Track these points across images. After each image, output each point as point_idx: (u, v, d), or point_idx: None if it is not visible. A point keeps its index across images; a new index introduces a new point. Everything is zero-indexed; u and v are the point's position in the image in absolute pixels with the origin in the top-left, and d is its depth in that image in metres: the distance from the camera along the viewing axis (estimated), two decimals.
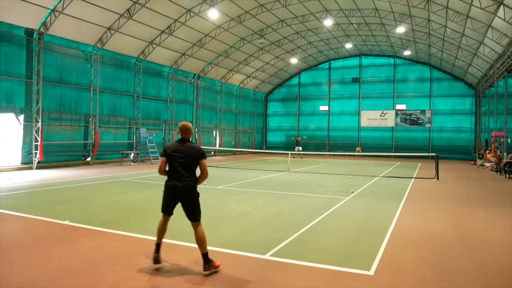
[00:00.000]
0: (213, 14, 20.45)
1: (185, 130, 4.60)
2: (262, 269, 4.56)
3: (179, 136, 4.65)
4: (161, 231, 4.63)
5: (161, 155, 4.62)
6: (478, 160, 24.04)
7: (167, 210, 4.59)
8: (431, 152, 26.05)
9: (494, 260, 5.11)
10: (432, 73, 31.58)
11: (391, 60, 33.09)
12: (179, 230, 6.25)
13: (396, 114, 32.62)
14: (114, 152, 21.13)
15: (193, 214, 4.51)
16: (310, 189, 11.53)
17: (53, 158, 17.61)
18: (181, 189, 4.42)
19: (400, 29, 23.40)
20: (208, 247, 5.29)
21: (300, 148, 29.04)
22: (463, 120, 30.64)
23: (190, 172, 4.50)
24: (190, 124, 4.67)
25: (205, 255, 4.39)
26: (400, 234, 6.27)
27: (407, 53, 29.48)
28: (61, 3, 15.76)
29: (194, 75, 27.79)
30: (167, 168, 4.56)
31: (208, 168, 4.66)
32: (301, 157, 28.39)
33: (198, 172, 4.61)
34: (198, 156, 4.50)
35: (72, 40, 18.38)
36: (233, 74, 30.85)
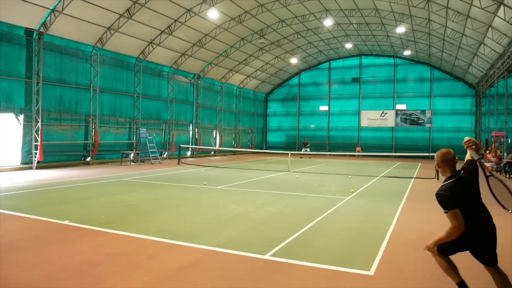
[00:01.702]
0: (213, 14, 20.45)
1: (454, 158, 3.48)
2: (262, 269, 4.56)
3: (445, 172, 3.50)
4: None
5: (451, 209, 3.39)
6: None
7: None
8: (431, 152, 26.04)
9: None
10: (432, 73, 31.58)
11: (391, 60, 33.08)
12: (179, 230, 6.25)
13: (396, 114, 32.61)
14: (114, 152, 21.13)
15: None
16: (310, 189, 11.52)
17: (53, 158, 17.60)
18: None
19: (400, 29, 23.39)
20: (208, 247, 5.30)
21: (308, 150, 29.35)
22: (463, 120, 30.63)
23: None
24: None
25: None
26: (400, 234, 6.27)
27: (407, 53, 29.48)
28: (61, 3, 15.75)
29: (194, 75, 27.78)
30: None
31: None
32: (310, 157, 28.69)
33: None
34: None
35: (72, 40, 18.38)
36: (233, 74, 30.85)
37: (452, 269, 3.61)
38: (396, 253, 5.28)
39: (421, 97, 32.04)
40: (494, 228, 3.51)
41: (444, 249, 3.56)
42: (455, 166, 3.48)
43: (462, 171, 3.46)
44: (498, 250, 5.55)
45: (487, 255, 3.50)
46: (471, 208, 3.37)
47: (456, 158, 3.49)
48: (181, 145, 23.18)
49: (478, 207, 3.43)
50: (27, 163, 16.44)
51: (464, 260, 5.13)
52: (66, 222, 6.65)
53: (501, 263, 5.00)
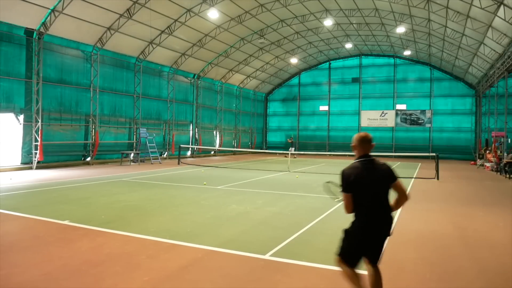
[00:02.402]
0: (213, 14, 20.45)
1: (369, 142, 3.40)
2: (262, 269, 4.56)
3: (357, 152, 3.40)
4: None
5: (343, 191, 3.32)
6: (478, 160, 24.04)
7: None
8: (431, 152, 26.05)
9: (494, 260, 5.11)
10: (432, 73, 31.57)
11: (391, 60, 33.08)
12: (179, 230, 6.25)
13: (396, 114, 32.62)
14: (114, 152, 21.13)
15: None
16: (310, 189, 11.52)
17: (53, 158, 17.60)
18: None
19: (400, 29, 23.39)
20: (208, 247, 5.30)
21: (293, 149, 29.56)
22: (463, 120, 30.63)
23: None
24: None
25: None
26: (400, 234, 6.27)
27: (407, 53, 29.48)
28: (61, 3, 15.75)
29: (194, 75, 27.78)
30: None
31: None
32: (285, 156, 28.54)
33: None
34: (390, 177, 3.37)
35: (72, 40, 18.38)
36: (233, 74, 30.85)
37: (354, 278, 3.36)
38: (396, 253, 5.28)
39: (421, 97, 32.04)
40: (385, 226, 3.32)
41: (344, 254, 3.40)
42: (368, 151, 3.39)
43: (375, 159, 3.38)
44: (497, 250, 5.57)
45: (371, 250, 3.35)
46: (364, 196, 3.25)
47: (373, 143, 3.40)
48: (181, 145, 23.18)
49: (374, 198, 3.27)
50: (27, 163, 16.44)
51: (463, 259, 5.13)
52: (66, 222, 6.65)
53: (501, 263, 5.01)
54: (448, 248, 5.62)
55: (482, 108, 28.44)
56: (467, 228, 6.92)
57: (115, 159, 20.93)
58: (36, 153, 16.37)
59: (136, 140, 22.43)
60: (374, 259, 3.38)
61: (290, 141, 32.02)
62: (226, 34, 24.34)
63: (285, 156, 28.06)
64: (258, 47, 28.02)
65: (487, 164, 20.95)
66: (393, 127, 32.83)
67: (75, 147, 19.15)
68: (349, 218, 3.46)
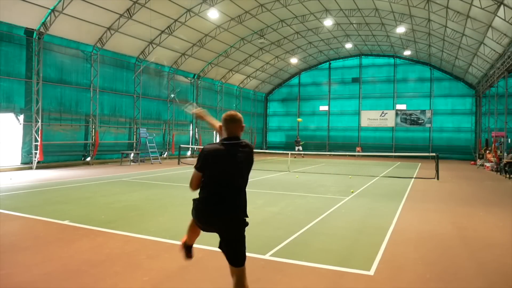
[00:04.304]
0: (213, 14, 20.45)
1: (234, 121, 3.19)
2: (262, 269, 4.56)
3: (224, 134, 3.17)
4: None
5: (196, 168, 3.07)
6: (478, 160, 24.03)
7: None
8: (431, 152, 26.03)
9: (494, 260, 5.11)
10: (432, 73, 31.57)
11: (391, 60, 33.08)
12: (179, 230, 6.25)
13: (396, 114, 32.61)
14: (114, 152, 21.13)
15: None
16: (310, 189, 11.52)
17: (53, 158, 17.60)
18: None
19: (400, 29, 23.40)
20: (208, 247, 5.30)
21: (301, 148, 29.23)
22: (463, 120, 30.63)
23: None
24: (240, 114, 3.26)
25: None
26: (400, 234, 6.27)
27: (407, 53, 29.48)
28: (61, 3, 15.75)
29: (194, 75, 27.78)
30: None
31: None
32: (302, 157, 28.52)
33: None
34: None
35: (72, 40, 18.38)
36: (233, 74, 30.85)
37: (193, 230, 3.37)
38: (396, 253, 5.28)
39: (421, 97, 32.04)
40: (234, 218, 3.01)
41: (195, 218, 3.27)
42: (236, 133, 3.13)
43: (242, 142, 3.09)
44: (497, 250, 5.57)
45: (231, 247, 3.09)
46: (215, 179, 3.00)
47: (242, 125, 3.17)
48: (181, 145, 23.18)
49: (229, 183, 3.00)
50: (27, 163, 16.44)
51: (463, 259, 5.14)
52: (66, 222, 6.65)
53: (501, 263, 5.01)
54: (448, 248, 5.62)
55: (482, 108, 28.44)
56: (467, 228, 6.92)
57: (115, 159, 20.93)
58: (36, 153, 16.37)
59: (136, 140, 22.43)
60: (229, 258, 3.06)
61: (297, 140, 31.58)
62: (226, 34, 24.34)
63: (295, 157, 27.88)
64: (258, 47, 28.02)
65: (487, 164, 20.95)
66: (393, 127, 32.83)
67: (75, 147, 19.15)
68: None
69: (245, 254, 3.08)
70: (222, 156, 2.98)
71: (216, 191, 3.01)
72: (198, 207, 3.12)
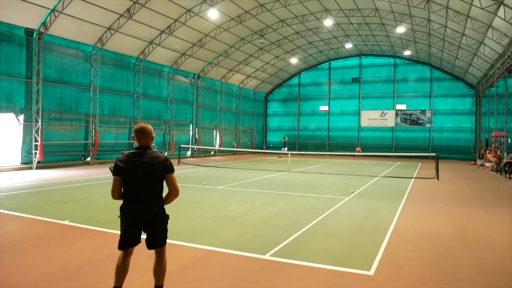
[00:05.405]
0: (213, 14, 20.45)
1: (143, 133, 3.50)
2: (262, 269, 4.56)
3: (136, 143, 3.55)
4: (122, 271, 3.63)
5: (113, 174, 3.47)
6: (478, 160, 24.04)
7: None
8: (431, 152, 26.05)
9: (494, 260, 5.11)
10: (432, 73, 31.58)
11: (391, 60, 33.09)
12: (179, 230, 6.25)
13: (396, 114, 32.62)
14: (114, 152, 21.12)
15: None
16: (310, 189, 11.52)
17: (53, 158, 17.60)
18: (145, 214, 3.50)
19: (400, 29, 23.40)
20: (208, 247, 5.30)
21: (286, 149, 29.79)
22: (463, 120, 30.64)
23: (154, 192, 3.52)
24: (150, 126, 3.59)
25: None
26: (400, 234, 6.27)
27: (407, 53, 29.48)
28: (61, 3, 15.75)
29: (194, 75, 27.78)
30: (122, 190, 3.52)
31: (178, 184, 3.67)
32: (279, 157, 28.48)
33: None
34: (163, 169, 3.50)
35: (72, 40, 18.38)
36: (233, 74, 30.85)
37: (119, 270, 3.64)
38: (396, 253, 5.28)
39: (421, 97, 32.05)
40: (142, 216, 3.52)
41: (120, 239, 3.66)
42: (147, 142, 3.55)
43: (150, 150, 3.52)
44: (497, 250, 5.57)
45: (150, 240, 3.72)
46: (129, 185, 3.46)
47: (152, 135, 3.57)
48: (181, 145, 23.18)
49: (136, 189, 3.45)
50: (27, 163, 16.44)
51: (463, 259, 5.14)
52: (66, 222, 6.65)
53: (501, 263, 5.01)
54: (448, 248, 5.62)
55: (482, 108, 28.45)
56: (467, 228, 6.92)
57: (115, 159, 20.85)
58: (36, 153, 16.37)
59: None
60: (147, 243, 3.70)
61: (284, 141, 32.46)
62: (226, 34, 24.34)
63: (279, 157, 28.09)
64: (258, 47, 28.02)
65: (487, 164, 20.95)
66: (393, 127, 32.84)
67: (75, 147, 19.16)
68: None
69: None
70: (130, 163, 3.45)
71: (128, 198, 3.51)
72: (122, 217, 3.63)
